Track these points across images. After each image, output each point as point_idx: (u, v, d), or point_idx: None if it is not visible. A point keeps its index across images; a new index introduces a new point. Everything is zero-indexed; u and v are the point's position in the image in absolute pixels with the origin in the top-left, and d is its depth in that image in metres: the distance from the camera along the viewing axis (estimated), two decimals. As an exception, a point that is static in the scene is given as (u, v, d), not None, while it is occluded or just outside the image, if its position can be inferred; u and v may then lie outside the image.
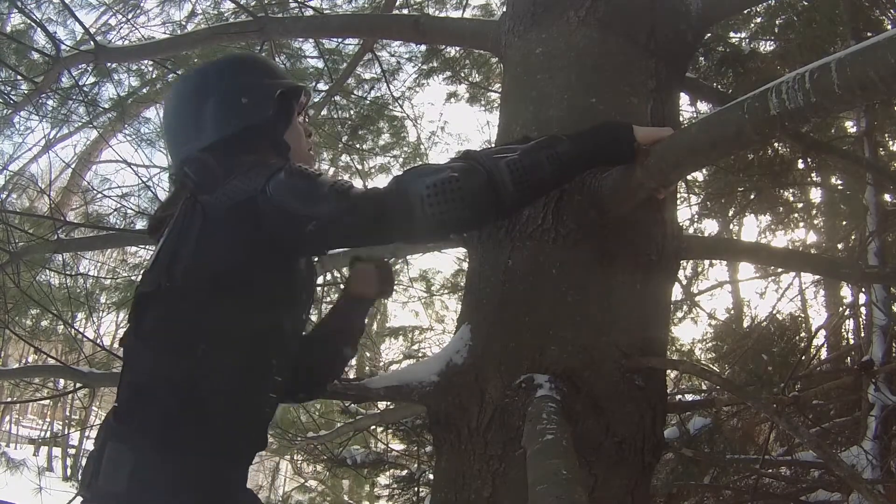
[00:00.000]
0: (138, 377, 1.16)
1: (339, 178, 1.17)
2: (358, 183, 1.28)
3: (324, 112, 4.27)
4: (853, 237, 3.87)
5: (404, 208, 1.08)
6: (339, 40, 4.24)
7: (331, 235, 1.14)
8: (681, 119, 1.72)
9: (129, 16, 4.78)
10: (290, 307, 1.27)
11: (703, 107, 3.80)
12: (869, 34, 2.74)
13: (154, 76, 4.92)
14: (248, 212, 1.12)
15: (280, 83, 1.29)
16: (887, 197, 3.36)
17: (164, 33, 4.68)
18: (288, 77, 1.36)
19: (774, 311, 4.34)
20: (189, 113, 1.27)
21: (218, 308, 1.15)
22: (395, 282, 1.51)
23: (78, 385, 3.10)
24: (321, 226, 1.09)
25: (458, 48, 4.36)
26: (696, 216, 4.15)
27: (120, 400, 1.17)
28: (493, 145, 1.68)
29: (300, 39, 4.27)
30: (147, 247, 4.99)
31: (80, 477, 1.21)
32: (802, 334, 4.15)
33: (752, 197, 3.87)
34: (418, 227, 1.11)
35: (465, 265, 1.97)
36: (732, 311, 5.33)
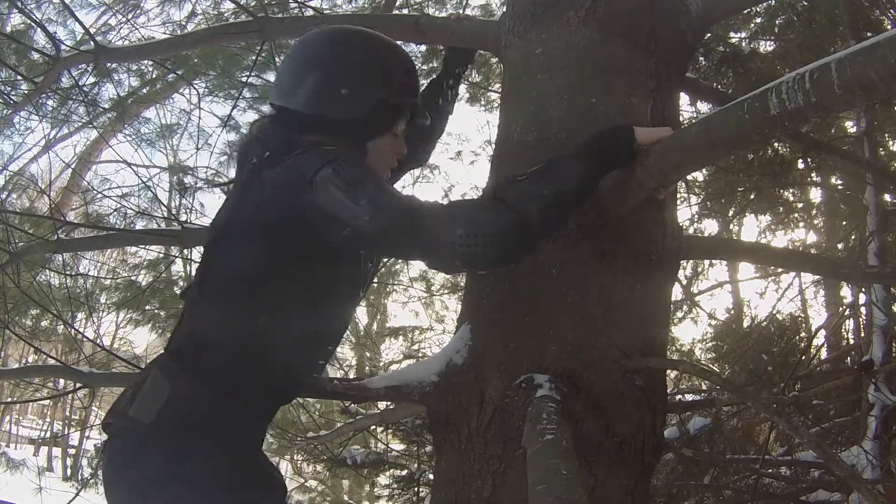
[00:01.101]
0: (202, 330, 1.23)
1: (383, 187, 1.15)
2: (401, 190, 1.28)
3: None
4: (853, 237, 3.87)
5: (434, 249, 1.11)
6: (340, 40, 4.22)
7: (362, 245, 1.20)
8: (681, 119, 1.72)
9: (129, 16, 4.78)
10: (342, 291, 1.31)
11: (703, 107, 3.80)
12: (869, 34, 2.74)
13: (154, 76, 4.92)
14: (296, 196, 1.14)
15: (389, 94, 1.27)
16: (887, 197, 3.36)
17: (164, 33, 4.67)
18: (414, 86, 1.35)
19: (774, 311, 4.34)
20: (296, 70, 1.30)
21: (276, 276, 1.21)
22: None
23: (78, 385, 3.10)
24: (353, 236, 1.11)
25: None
26: (696, 216, 4.15)
27: (180, 347, 1.24)
28: (492, 145, 1.67)
29: (300, 39, 4.26)
30: (147, 247, 5.00)
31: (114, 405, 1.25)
32: (802, 334, 4.15)
33: (752, 197, 3.87)
34: (446, 266, 1.18)
35: (465, 265, 1.96)
36: (732, 311, 5.33)
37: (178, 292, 1.37)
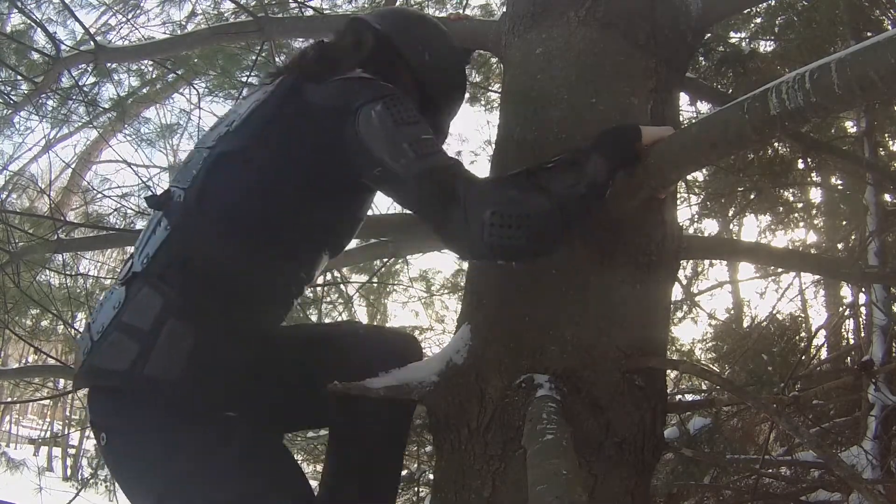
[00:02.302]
0: (199, 254, 1.13)
1: (430, 137, 1.11)
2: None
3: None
4: (853, 237, 3.87)
5: (460, 222, 1.05)
6: (340, 40, 4.22)
7: (389, 188, 1.15)
8: (681, 119, 1.72)
9: (129, 16, 4.78)
10: (336, 241, 1.31)
11: (703, 107, 3.80)
12: (869, 34, 2.74)
13: (154, 76, 4.92)
14: (338, 121, 1.12)
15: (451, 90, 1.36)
16: (887, 197, 3.36)
17: (164, 33, 4.68)
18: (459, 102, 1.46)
19: (774, 311, 4.34)
20: (400, 17, 1.37)
21: (297, 208, 1.17)
22: None
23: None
24: (384, 176, 1.09)
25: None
26: (696, 216, 4.15)
27: (164, 273, 1.12)
28: (492, 145, 1.68)
29: (300, 39, 4.27)
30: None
31: (107, 359, 1.10)
32: (802, 334, 4.15)
33: (752, 197, 3.86)
34: (468, 246, 1.10)
35: (466, 265, 1.97)
36: (732, 311, 5.33)
37: (145, 198, 1.24)
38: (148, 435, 1.09)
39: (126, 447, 1.11)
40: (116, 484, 1.18)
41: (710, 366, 4.24)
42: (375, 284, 5.41)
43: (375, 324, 6.25)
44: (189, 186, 1.20)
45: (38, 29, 3.46)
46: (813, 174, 4.09)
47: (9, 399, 9.71)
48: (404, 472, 3.97)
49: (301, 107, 1.18)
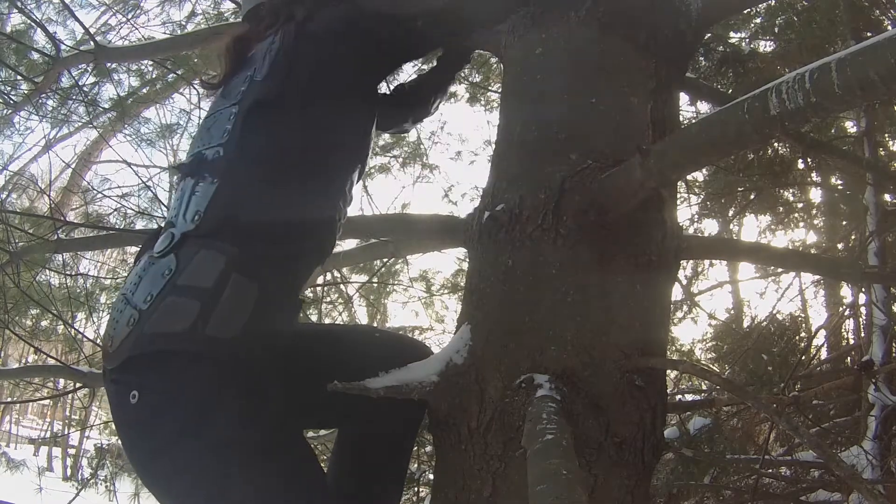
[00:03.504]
0: (248, 207, 1.15)
1: None
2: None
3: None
4: (853, 237, 3.87)
5: None
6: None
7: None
8: (681, 119, 1.72)
9: (129, 16, 4.79)
10: (364, 153, 1.39)
11: (703, 107, 3.81)
12: (869, 34, 2.74)
13: (154, 76, 4.92)
14: (341, 25, 1.25)
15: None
16: (887, 197, 3.36)
17: (164, 33, 4.68)
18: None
19: (774, 311, 4.34)
20: None
21: (325, 134, 1.25)
22: None
23: (78, 385, 3.10)
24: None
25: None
26: (696, 216, 4.15)
27: (213, 217, 1.13)
28: (492, 145, 1.70)
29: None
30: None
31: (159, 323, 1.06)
32: (802, 334, 4.15)
33: (752, 197, 3.87)
34: None
35: (465, 265, 1.97)
36: (732, 311, 5.33)
37: (174, 166, 1.30)
38: (192, 397, 1.04)
39: (162, 406, 1.05)
40: (127, 453, 1.11)
41: (710, 366, 4.24)
42: (375, 284, 5.41)
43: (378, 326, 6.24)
44: (226, 141, 1.22)
45: (38, 29, 3.46)
46: (813, 174, 4.10)
47: (9, 399, 9.71)
48: (404, 472, 3.97)
49: (312, 41, 1.27)
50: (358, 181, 1.40)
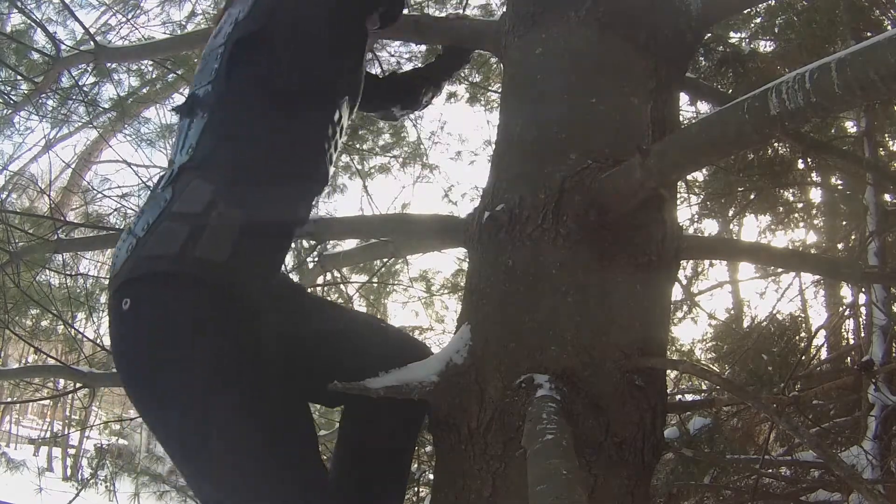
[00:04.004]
0: (231, 124, 1.22)
1: None
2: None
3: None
4: (853, 237, 3.87)
5: None
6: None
7: None
8: (681, 119, 1.72)
9: (129, 16, 4.78)
10: (353, 86, 1.43)
11: (703, 107, 3.80)
12: (869, 34, 2.74)
13: (154, 76, 4.92)
14: None
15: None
16: (887, 197, 3.36)
17: (164, 33, 4.68)
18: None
19: (774, 311, 4.33)
20: None
21: (309, 65, 1.28)
22: None
23: (78, 385, 3.10)
24: None
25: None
26: (696, 216, 4.15)
27: (207, 159, 1.18)
28: (492, 145, 1.70)
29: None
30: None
31: (151, 245, 1.11)
32: (802, 334, 4.14)
33: (752, 197, 3.86)
34: None
35: (465, 265, 1.97)
36: (732, 311, 5.33)
37: (172, 108, 1.37)
38: (179, 313, 1.07)
39: (151, 316, 1.08)
40: (117, 363, 1.14)
41: (710, 366, 4.24)
42: (375, 284, 5.41)
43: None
44: (214, 78, 1.28)
45: (38, 29, 3.46)
46: (813, 174, 4.09)
47: (9, 399, 9.71)
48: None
49: None
50: (351, 115, 1.43)
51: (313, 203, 1.42)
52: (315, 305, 1.49)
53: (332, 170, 1.43)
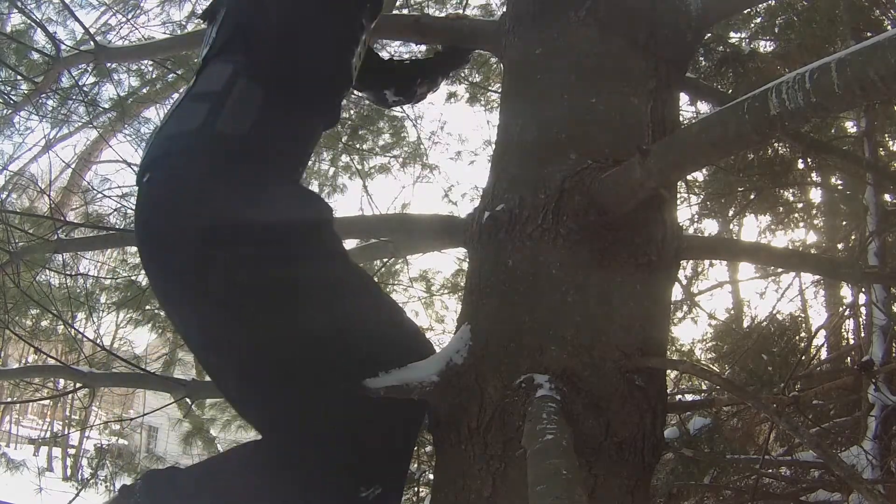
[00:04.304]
0: (248, 12, 1.24)
1: None
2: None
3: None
4: (853, 237, 3.87)
5: None
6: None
7: None
8: (681, 119, 1.72)
9: (129, 16, 4.78)
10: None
11: (703, 107, 3.80)
12: (869, 34, 2.74)
13: (154, 76, 4.92)
14: None
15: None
16: (887, 197, 3.36)
17: (164, 33, 4.68)
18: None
19: (774, 311, 4.34)
20: None
21: None
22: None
23: (78, 385, 3.10)
24: None
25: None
26: (696, 216, 4.15)
27: (223, 35, 1.22)
28: (492, 145, 1.70)
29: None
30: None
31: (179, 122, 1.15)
32: (802, 334, 4.15)
33: (752, 197, 3.86)
34: None
35: (465, 265, 1.97)
36: (732, 311, 5.33)
37: (201, 14, 1.45)
38: (198, 181, 1.09)
39: (171, 183, 1.10)
40: (140, 235, 1.14)
41: (710, 366, 4.24)
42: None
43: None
44: None
45: (38, 29, 3.46)
46: (813, 174, 4.10)
47: (9, 399, 9.71)
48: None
49: None
50: (371, 25, 1.44)
51: (341, 101, 1.41)
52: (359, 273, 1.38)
53: (354, 74, 1.42)
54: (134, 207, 1.18)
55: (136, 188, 1.17)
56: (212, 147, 1.10)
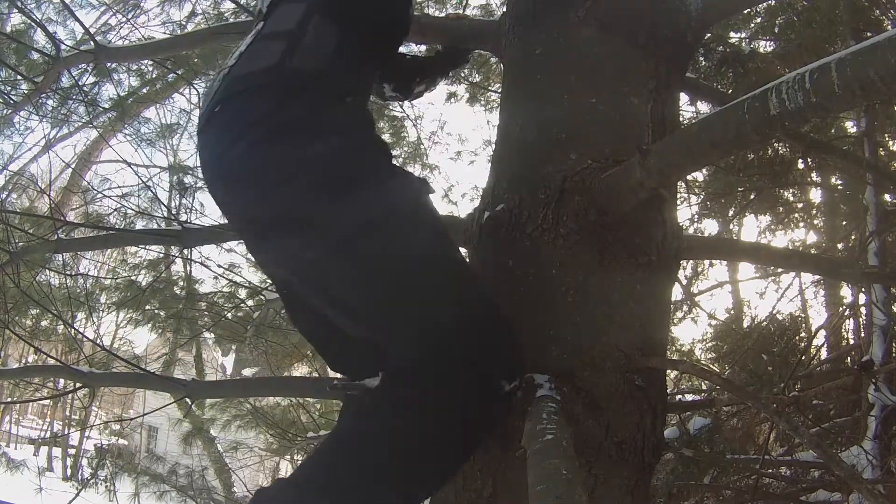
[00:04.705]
0: None
1: None
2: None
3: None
4: (853, 237, 3.87)
5: None
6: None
7: None
8: (681, 119, 1.72)
9: (129, 16, 4.78)
10: None
11: (703, 107, 3.80)
12: (869, 34, 2.74)
13: (154, 76, 4.92)
14: None
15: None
16: (887, 197, 3.35)
17: (164, 33, 4.67)
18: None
19: (774, 311, 4.33)
20: None
21: None
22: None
23: (78, 385, 3.10)
24: None
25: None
26: (696, 216, 4.15)
27: None
28: (492, 145, 1.70)
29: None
30: (147, 247, 5.00)
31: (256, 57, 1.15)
32: (802, 334, 4.14)
33: (752, 197, 3.86)
34: None
35: (465, 265, 1.96)
36: (732, 311, 5.32)
37: None
38: (275, 116, 1.07)
39: (242, 113, 1.09)
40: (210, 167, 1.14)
41: (710, 366, 4.24)
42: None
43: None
44: None
45: (38, 29, 3.46)
46: (813, 174, 4.09)
47: (9, 399, 9.71)
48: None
49: None
50: None
51: (397, 50, 1.43)
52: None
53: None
54: (200, 153, 1.18)
55: (198, 136, 1.17)
56: (290, 82, 1.10)
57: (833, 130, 3.77)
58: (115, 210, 4.96)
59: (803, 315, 4.61)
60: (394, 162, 1.20)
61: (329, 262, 1.07)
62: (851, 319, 3.99)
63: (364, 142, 1.15)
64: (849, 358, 3.75)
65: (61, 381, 4.93)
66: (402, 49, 1.62)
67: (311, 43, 1.12)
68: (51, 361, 4.07)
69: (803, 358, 3.34)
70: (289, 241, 1.07)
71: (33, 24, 3.72)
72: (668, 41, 1.55)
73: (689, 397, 3.61)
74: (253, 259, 1.14)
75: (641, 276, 1.38)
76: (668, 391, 1.64)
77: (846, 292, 4.23)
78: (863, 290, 3.42)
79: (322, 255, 1.06)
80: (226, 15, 4.49)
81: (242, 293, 5.20)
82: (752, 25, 3.78)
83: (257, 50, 1.15)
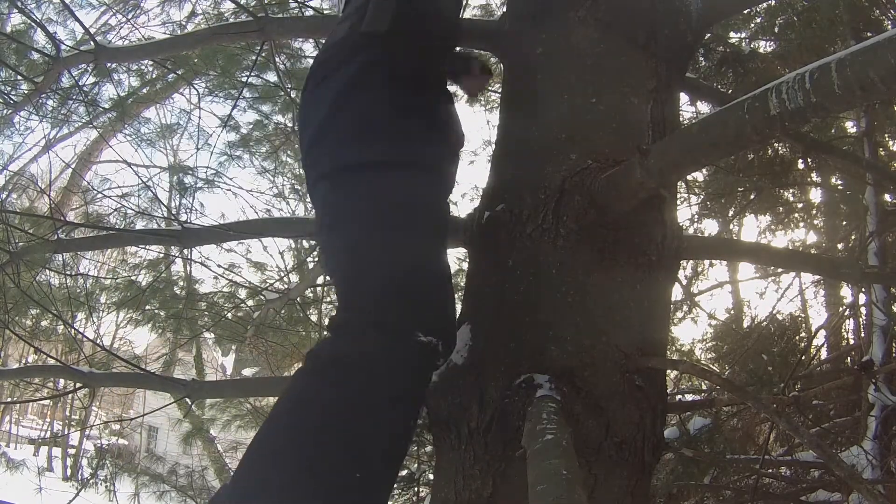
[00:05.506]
0: None
1: None
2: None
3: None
4: (853, 237, 3.87)
5: None
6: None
7: None
8: (681, 119, 1.72)
9: (129, 16, 4.78)
10: None
11: (703, 107, 3.81)
12: (869, 34, 2.74)
13: (154, 76, 4.92)
14: None
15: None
16: (887, 197, 3.36)
17: (164, 33, 4.67)
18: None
19: (774, 311, 4.34)
20: None
21: None
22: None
23: (78, 385, 3.10)
24: None
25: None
26: (696, 216, 4.15)
27: None
28: (492, 145, 1.70)
29: (300, 39, 4.27)
30: (147, 247, 5.00)
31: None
32: (802, 334, 4.15)
33: (752, 197, 3.86)
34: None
35: (465, 265, 1.97)
36: (732, 311, 5.33)
37: None
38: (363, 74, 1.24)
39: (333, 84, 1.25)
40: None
41: (710, 366, 4.24)
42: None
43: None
44: None
45: (38, 29, 3.46)
46: (813, 174, 4.09)
47: (9, 399, 9.71)
48: (404, 472, 3.98)
49: None
50: None
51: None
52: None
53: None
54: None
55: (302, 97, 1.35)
56: (358, 49, 1.26)
57: (833, 130, 3.77)
58: (115, 210, 4.97)
59: (803, 315, 4.62)
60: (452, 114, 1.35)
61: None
62: (851, 319, 3.99)
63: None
64: (849, 358, 3.75)
65: (61, 381, 4.93)
66: None
67: (372, 9, 1.27)
68: (51, 361, 4.07)
69: (803, 358, 3.34)
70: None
71: (33, 24, 3.72)
72: (668, 41, 1.55)
73: (689, 397, 3.61)
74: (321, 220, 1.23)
75: (641, 276, 1.38)
76: (668, 391, 1.63)
77: (846, 292, 4.23)
78: (863, 290, 3.42)
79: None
80: (226, 15, 4.49)
81: (242, 293, 5.21)
82: (752, 25, 3.78)
83: (339, 26, 1.37)
